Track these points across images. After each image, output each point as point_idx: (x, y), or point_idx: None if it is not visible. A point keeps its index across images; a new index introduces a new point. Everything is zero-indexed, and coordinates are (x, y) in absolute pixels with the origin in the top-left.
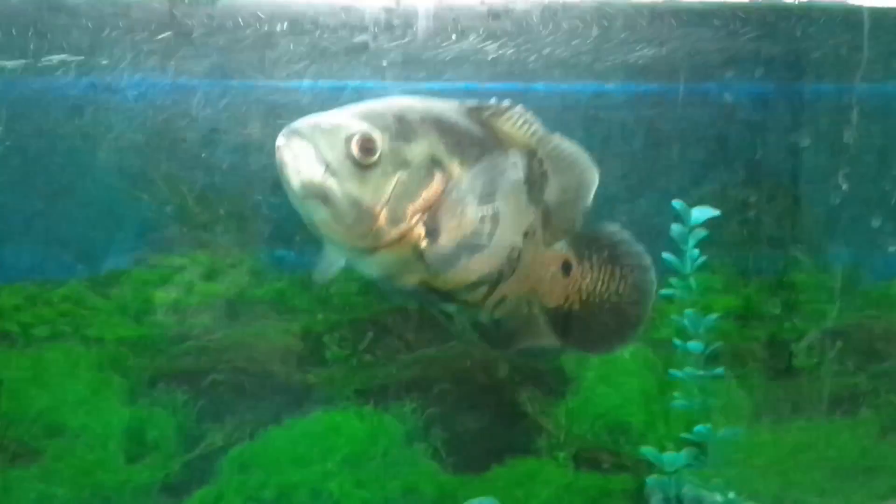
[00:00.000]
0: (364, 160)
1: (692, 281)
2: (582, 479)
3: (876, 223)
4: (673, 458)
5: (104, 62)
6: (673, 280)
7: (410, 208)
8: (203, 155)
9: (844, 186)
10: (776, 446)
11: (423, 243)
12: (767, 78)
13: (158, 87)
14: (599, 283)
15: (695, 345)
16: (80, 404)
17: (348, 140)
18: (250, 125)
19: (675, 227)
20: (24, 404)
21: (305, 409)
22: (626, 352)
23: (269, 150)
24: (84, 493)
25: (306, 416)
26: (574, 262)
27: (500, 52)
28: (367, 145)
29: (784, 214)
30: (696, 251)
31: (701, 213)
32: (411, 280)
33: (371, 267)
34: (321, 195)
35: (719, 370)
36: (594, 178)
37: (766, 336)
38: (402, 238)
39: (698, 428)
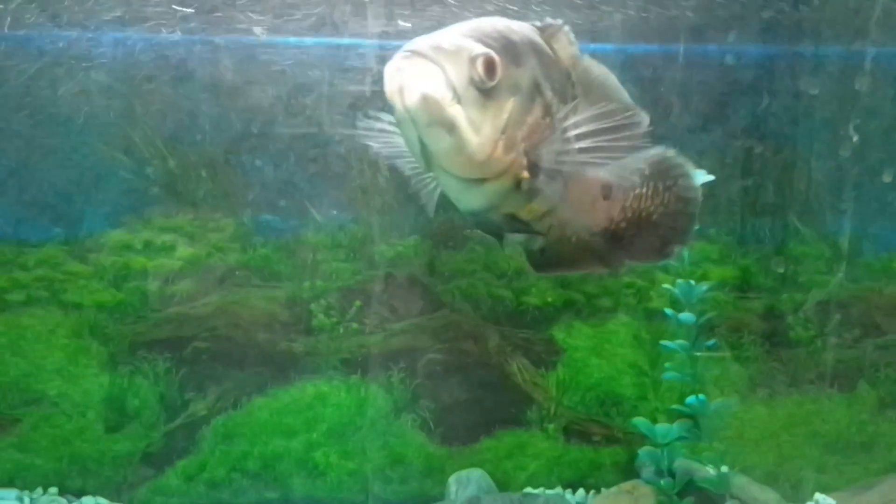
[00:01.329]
0: (485, 84)
1: (685, 251)
2: (572, 451)
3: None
4: (665, 430)
5: (82, 18)
6: None
7: (519, 136)
8: (185, 115)
9: (848, 155)
10: (771, 419)
11: (525, 174)
12: (770, 40)
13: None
14: (643, 199)
15: (686, 315)
16: (57, 372)
17: (472, 62)
18: (236, 84)
19: None
20: (0, 372)
21: (291, 378)
22: (616, 322)
23: (254, 111)
24: (63, 463)
25: (291, 385)
26: (613, 185)
27: None
28: (490, 68)
29: (784, 183)
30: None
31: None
32: (505, 210)
33: (474, 199)
34: (447, 122)
35: (711, 342)
36: (625, 99)
37: (763, 307)
38: (509, 167)
39: (690, 399)
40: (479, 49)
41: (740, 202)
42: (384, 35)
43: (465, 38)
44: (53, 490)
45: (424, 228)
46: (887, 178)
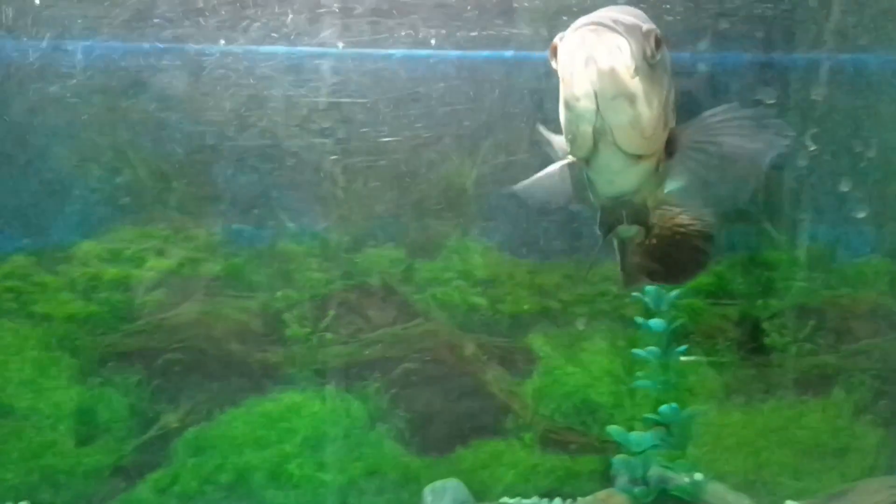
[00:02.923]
0: (654, 59)
1: None
2: (548, 459)
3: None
4: (639, 438)
5: (51, 28)
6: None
7: (668, 113)
8: (155, 124)
9: (818, 161)
10: (747, 426)
11: (664, 156)
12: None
13: (109, 52)
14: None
15: (656, 322)
16: (27, 384)
17: (647, 36)
18: (205, 92)
19: None
20: None
21: (264, 389)
22: (592, 330)
23: (226, 119)
24: (33, 476)
25: (265, 396)
26: None
27: None
28: (658, 43)
29: (758, 189)
30: None
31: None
32: (641, 195)
33: (627, 180)
34: (630, 94)
35: (681, 348)
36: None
37: (738, 314)
38: (660, 145)
39: (663, 408)
40: (650, 24)
41: (714, 209)
42: (350, 45)
43: (629, 15)
44: None
45: (399, 236)
46: (845, 188)
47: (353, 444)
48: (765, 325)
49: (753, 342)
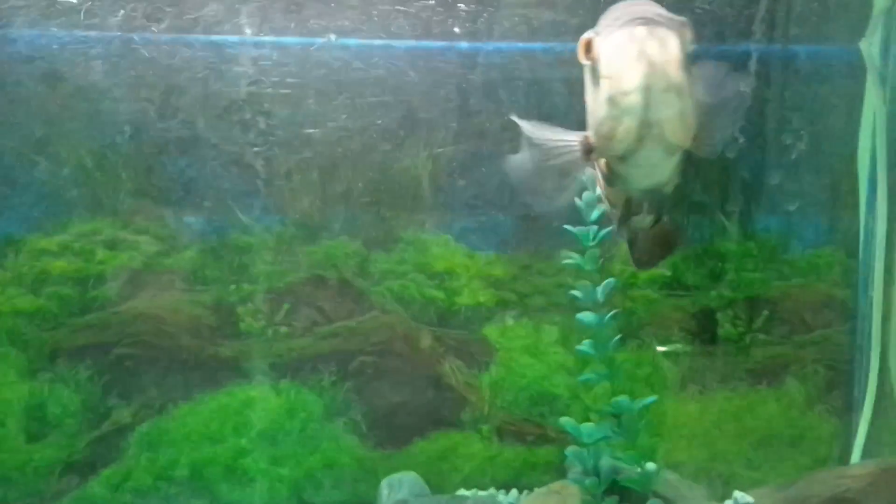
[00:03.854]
0: (689, 51)
1: (596, 251)
2: (506, 451)
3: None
4: (591, 429)
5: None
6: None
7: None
8: (105, 113)
9: (772, 152)
10: (702, 416)
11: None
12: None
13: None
14: None
15: (589, 316)
16: None
17: (684, 28)
18: (155, 82)
19: (587, 196)
20: None
21: (218, 383)
22: (550, 321)
23: (176, 111)
24: None
25: (219, 390)
26: None
27: None
28: (692, 36)
29: (711, 181)
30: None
31: None
32: (669, 186)
33: (664, 172)
34: (679, 87)
35: (615, 338)
36: None
37: (693, 305)
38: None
39: (614, 399)
40: (682, 19)
41: (668, 200)
42: (307, 34)
43: (653, 7)
44: None
45: (355, 229)
46: (795, 179)
47: (309, 437)
48: (719, 316)
49: (708, 333)
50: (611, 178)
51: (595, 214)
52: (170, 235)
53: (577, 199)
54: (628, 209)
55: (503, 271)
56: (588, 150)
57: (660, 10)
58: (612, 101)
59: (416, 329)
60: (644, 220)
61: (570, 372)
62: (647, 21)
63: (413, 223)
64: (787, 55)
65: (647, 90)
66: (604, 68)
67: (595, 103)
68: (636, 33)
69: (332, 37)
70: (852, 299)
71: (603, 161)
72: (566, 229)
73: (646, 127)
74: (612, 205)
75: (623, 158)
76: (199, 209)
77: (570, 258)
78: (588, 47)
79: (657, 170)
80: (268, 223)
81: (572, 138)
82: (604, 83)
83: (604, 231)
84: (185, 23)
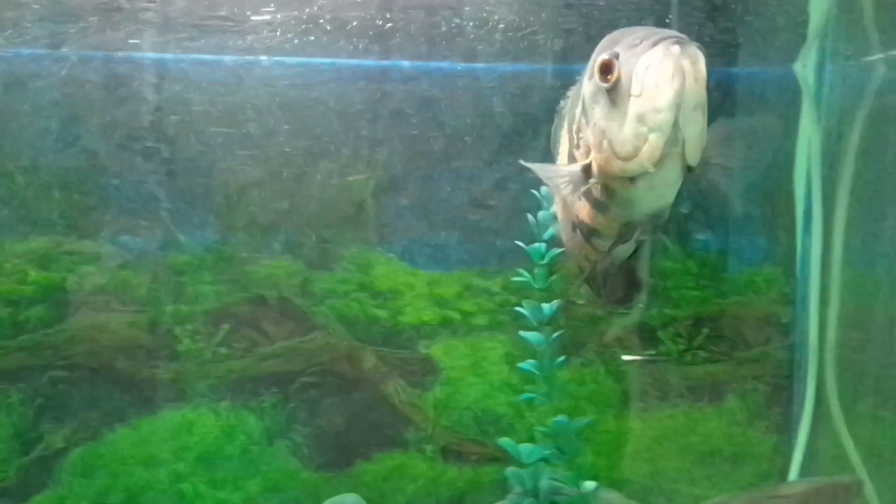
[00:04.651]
0: None
1: (545, 270)
2: (450, 471)
3: (742, 209)
4: (529, 450)
5: None
6: (525, 270)
7: None
8: (37, 131)
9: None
10: (644, 434)
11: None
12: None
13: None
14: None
15: (533, 335)
16: None
17: (701, 52)
18: (91, 99)
19: (541, 215)
20: None
21: (155, 406)
22: (494, 340)
23: (112, 128)
24: None
25: (156, 414)
26: None
27: None
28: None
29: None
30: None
31: None
32: (668, 210)
33: (672, 192)
34: (704, 105)
35: (561, 358)
36: None
37: (634, 323)
38: None
39: (552, 419)
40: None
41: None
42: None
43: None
44: None
45: (295, 248)
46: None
47: (249, 461)
48: (660, 334)
49: (649, 350)
50: (608, 204)
51: (548, 232)
52: (105, 255)
53: (529, 217)
54: (621, 236)
55: (447, 290)
56: (586, 175)
57: (672, 31)
58: (641, 118)
59: (359, 349)
60: (629, 247)
61: (514, 391)
62: (678, 40)
63: (356, 242)
64: (725, 77)
65: (678, 108)
66: (634, 87)
67: (612, 124)
68: (671, 51)
69: (263, 58)
70: (791, 317)
71: (598, 188)
72: (518, 246)
73: (671, 145)
74: (598, 234)
75: (634, 180)
76: (136, 228)
77: (521, 275)
78: (608, 68)
79: (669, 191)
80: (207, 242)
81: (574, 168)
82: (632, 102)
83: (555, 251)
84: (122, 40)
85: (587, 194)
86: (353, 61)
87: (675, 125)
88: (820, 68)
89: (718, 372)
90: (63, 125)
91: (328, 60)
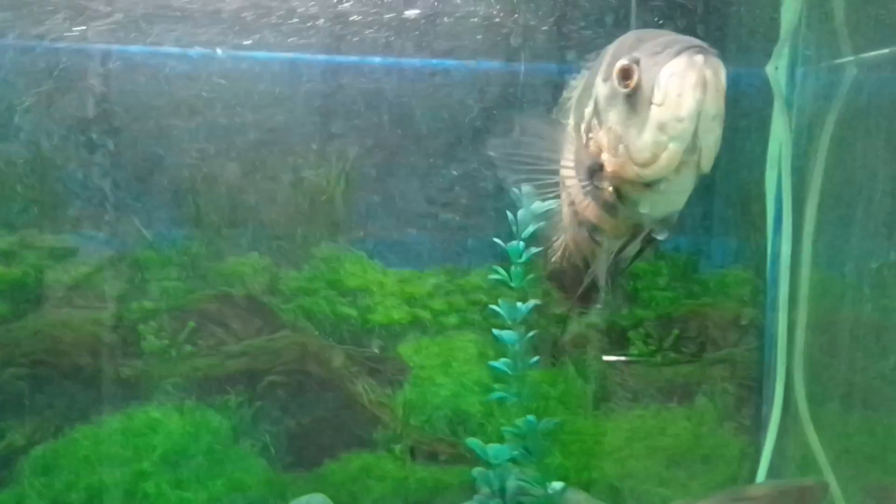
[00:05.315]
0: None
1: (522, 269)
2: (419, 471)
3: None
4: (497, 450)
5: None
6: (502, 267)
7: None
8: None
9: None
10: (614, 435)
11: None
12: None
13: None
14: None
15: (509, 334)
16: None
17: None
18: (55, 93)
19: (520, 214)
20: None
21: (118, 404)
22: (464, 339)
23: (75, 120)
24: None
25: (119, 412)
26: None
27: None
28: None
29: None
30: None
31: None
32: (677, 214)
33: (684, 199)
34: (722, 114)
35: (534, 359)
36: None
37: (605, 323)
38: None
39: (519, 420)
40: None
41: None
42: (223, 46)
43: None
44: None
45: (264, 245)
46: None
47: (214, 460)
48: (631, 335)
49: (620, 351)
50: (618, 206)
51: (529, 230)
52: (68, 250)
53: (509, 214)
54: (629, 238)
55: (418, 288)
56: (596, 176)
57: (693, 38)
58: (662, 127)
59: (328, 348)
60: (635, 248)
61: (485, 390)
62: (701, 49)
63: (325, 239)
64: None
65: (699, 117)
66: (656, 95)
67: (630, 130)
68: (695, 61)
69: (218, 50)
70: (760, 318)
71: (609, 190)
72: (488, 245)
73: (689, 153)
74: (604, 234)
75: (650, 185)
76: (99, 223)
77: (497, 273)
78: (628, 74)
79: (681, 196)
80: (172, 238)
81: (583, 168)
82: (653, 110)
83: (534, 250)
84: (107, 31)
85: (595, 195)
86: (324, 57)
87: (694, 134)
88: (792, 70)
89: (688, 373)
90: (23, 119)
91: (298, 55)
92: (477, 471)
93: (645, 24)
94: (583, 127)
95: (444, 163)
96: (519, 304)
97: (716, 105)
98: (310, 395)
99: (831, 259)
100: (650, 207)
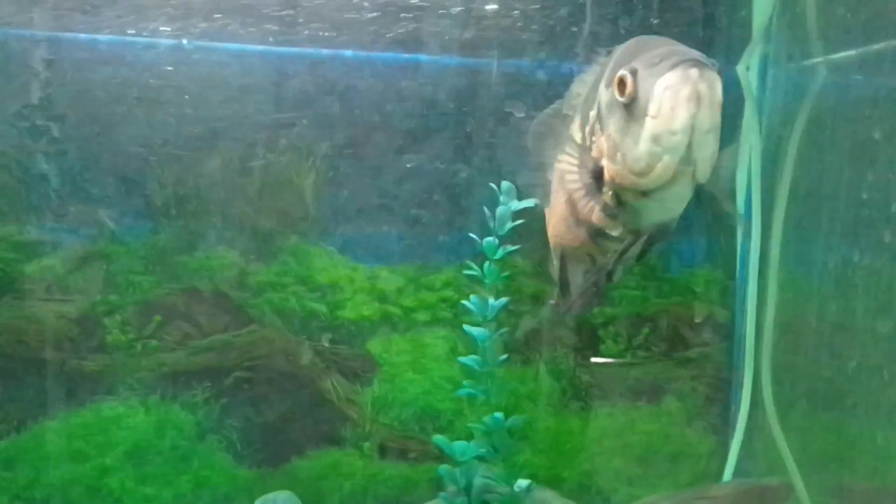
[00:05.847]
0: None
1: (497, 266)
2: (388, 469)
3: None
4: (463, 447)
5: None
6: (477, 263)
7: None
8: None
9: None
10: (583, 433)
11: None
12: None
13: None
14: None
15: (479, 331)
16: None
17: (718, 70)
18: (20, 82)
19: (499, 210)
20: None
21: (82, 399)
22: (434, 336)
23: (40, 110)
24: None
25: (83, 406)
26: None
27: None
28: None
29: None
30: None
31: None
32: (675, 221)
33: (679, 207)
34: (717, 128)
35: (503, 356)
36: None
37: (575, 322)
38: None
39: (486, 417)
40: (712, 59)
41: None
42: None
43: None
44: None
45: (232, 239)
46: None
47: (179, 456)
48: (600, 333)
49: (590, 349)
50: (618, 211)
51: (507, 227)
52: (31, 242)
53: (486, 211)
54: (631, 242)
55: (389, 284)
56: (598, 180)
57: (691, 50)
58: (656, 139)
59: (297, 343)
60: (636, 249)
61: (455, 387)
62: (697, 63)
63: (295, 234)
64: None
65: (693, 131)
66: (651, 107)
67: (627, 139)
68: (690, 75)
69: (185, 41)
70: (730, 318)
71: (609, 195)
72: (461, 241)
73: (684, 164)
74: (607, 236)
75: (647, 193)
76: (64, 215)
77: (470, 269)
78: (625, 84)
79: (678, 205)
80: (139, 232)
81: (586, 170)
82: (648, 122)
83: (510, 247)
84: (59, 19)
85: (597, 198)
86: (296, 49)
87: (689, 146)
88: (763, 71)
89: (658, 372)
90: None
91: (263, 47)
92: (443, 468)
93: (601, 19)
94: (587, 129)
95: (416, 158)
96: (491, 300)
97: (710, 119)
98: (278, 392)
99: (799, 259)
100: (648, 214)
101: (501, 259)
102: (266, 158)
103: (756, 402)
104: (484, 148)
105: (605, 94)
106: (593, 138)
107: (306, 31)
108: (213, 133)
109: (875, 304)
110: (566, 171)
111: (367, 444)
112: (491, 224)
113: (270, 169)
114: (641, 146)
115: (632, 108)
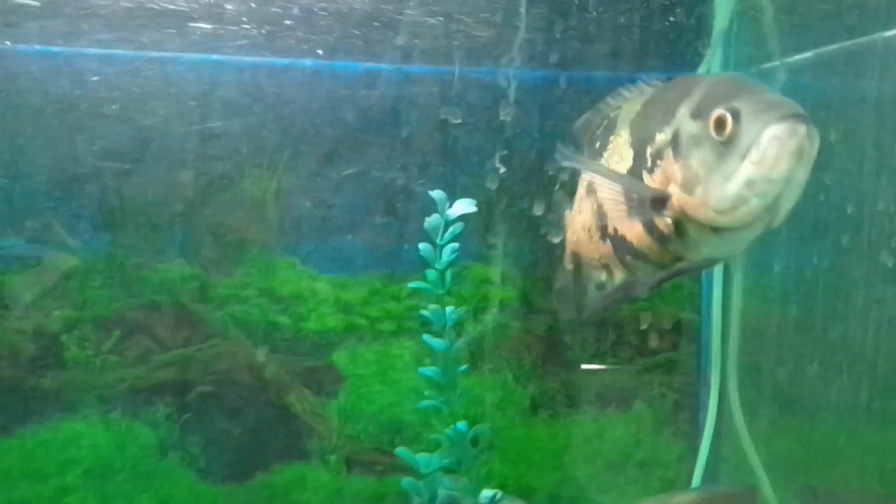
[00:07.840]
0: None
1: (447, 274)
2: (354, 482)
3: None
4: (427, 459)
5: None
6: (427, 273)
7: None
8: None
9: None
10: (553, 441)
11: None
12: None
13: None
14: None
15: (437, 341)
16: None
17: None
18: None
19: (432, 219)
20: None
21: (40, 416)
22: (400, 347)
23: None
24: None
25: (41, 425)
26: None
27: None
28: None
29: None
30: (454, 245)
31: (462, 205)
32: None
33: (741, 248)
34: (806, 181)
35: (463, 367)
36: None
37: (542, 329)
38: None
39: (449, 428)
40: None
41: (514, 225)
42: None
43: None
44: None
45: (192, 252)
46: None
47: (141, 474)
48: (566, 339)
49: (556, 357)
50: (672, 239)
51: (450, 234)
52: None
53: (426, 220)
54: (666, 266)
55: (353, 295)
56: (658, 205)
57: (793, 101)
58: (750, 184)
59: (260, 356)
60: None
61: (422, 398)
62: (804, 119)
63: (257, 245)
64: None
65: (787, 182)
66: (753, 153)
67: (715, 177)
68: (798, 130)
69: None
70: (697, 323)
71: (667, 222)
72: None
73: (767, 212)
74: (639, 256)
75: (717, 230)
76: (21, 230)
77: (422, 280)
78: (725, 124)
79: (743, 246)
80: (97, 245)
81: (643, 191)
82: (746, 165)
83: (452, 255)
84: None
85: (647, 219)
86: (256, 59)
87: (779, 196)
88: (724, 71)
89: (626, 378)
90: None
91: (228, 58)
92: (407, 481)
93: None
94: (648, 150)
95: (378, 168)
96: (449, 308)
97: (805, 174)
98: (241, 406)
99: (761, 264)
100: (708, 248)
101: (447, 268)
102: (228, 170)
103: (724, 406)
104: (448, 156)
105: (688, 125)
106: (659, 162)
107: (271, 39)
108: (172, 146)
109: (833, 306)
110: (601, 185)
111: (333, 458)
112: (430, 232)
113: (232, 180)
114: (732, 186)
115: (727, 148)
